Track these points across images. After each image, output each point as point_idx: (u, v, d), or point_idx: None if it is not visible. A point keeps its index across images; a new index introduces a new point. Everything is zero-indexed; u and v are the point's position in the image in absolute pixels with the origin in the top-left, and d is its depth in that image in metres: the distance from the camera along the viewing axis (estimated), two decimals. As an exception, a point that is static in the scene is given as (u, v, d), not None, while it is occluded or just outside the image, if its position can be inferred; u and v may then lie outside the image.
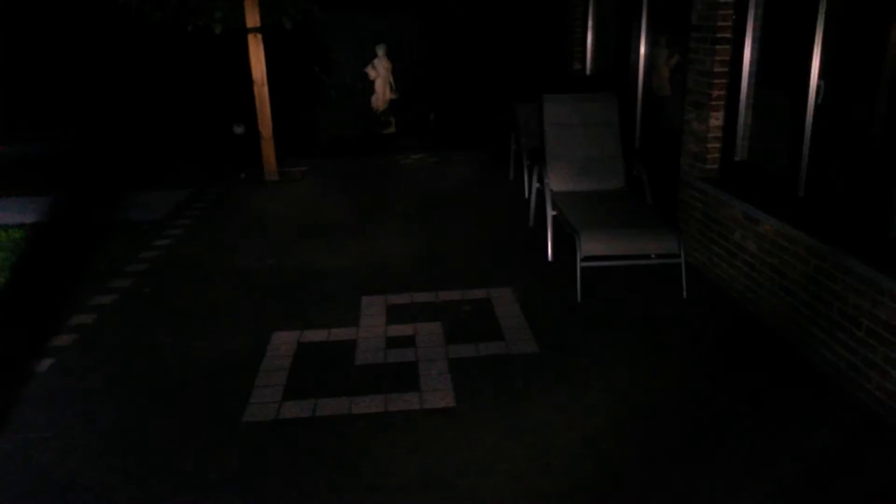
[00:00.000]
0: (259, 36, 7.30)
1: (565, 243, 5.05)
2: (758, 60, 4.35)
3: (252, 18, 7.20)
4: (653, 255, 4.41)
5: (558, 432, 3.09)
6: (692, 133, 4.78)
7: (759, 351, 3.74)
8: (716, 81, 4.53)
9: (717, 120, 4.58)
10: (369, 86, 10.71)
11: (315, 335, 4.04)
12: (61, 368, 3.73)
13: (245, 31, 7.27)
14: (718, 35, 4.44)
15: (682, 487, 2.72)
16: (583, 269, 4.31)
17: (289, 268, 5.10)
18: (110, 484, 2.82)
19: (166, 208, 6.65)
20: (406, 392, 3.43)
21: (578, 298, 4.32)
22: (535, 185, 5.62)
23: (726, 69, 4.50)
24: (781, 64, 4.15)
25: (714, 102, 4.56)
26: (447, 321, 4.16)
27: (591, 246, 4.24)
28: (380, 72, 10.67)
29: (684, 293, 4.30)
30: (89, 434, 3.16)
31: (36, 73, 11.00)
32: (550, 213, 4.94)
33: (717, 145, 4.62)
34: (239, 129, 10.42)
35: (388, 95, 10.76)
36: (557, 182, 5.14)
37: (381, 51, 10.59)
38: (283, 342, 3.96)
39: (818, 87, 3.69)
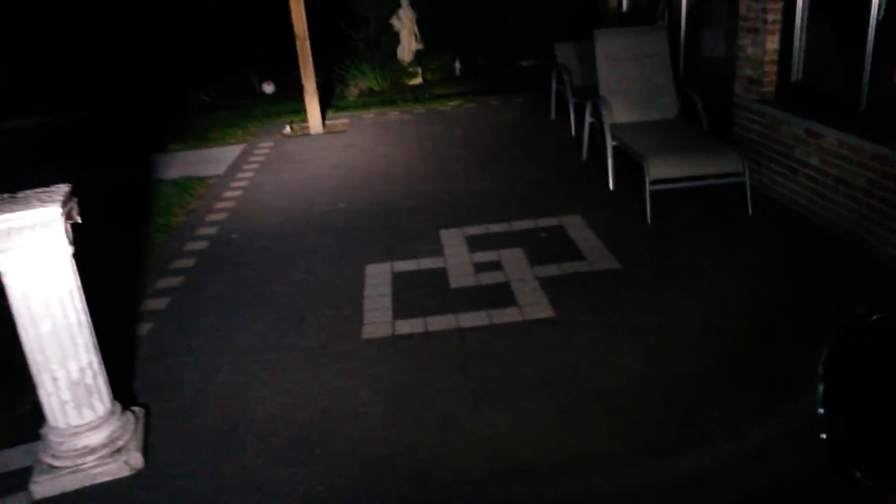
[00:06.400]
0: (298, -10, 7.42)
1: (624, 172, 5.28)
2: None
3: (291, -27, 7.31)
4: (714, 177, 4.63)
5: (654, 333, 3.38)
6: (747, 58, 4.97)
7: (827, 255, 4.00)
8: (770, 6, 4.69)
9: (772, 43, 4.76)
10: (394, 37, 10.80)
11: (405, 265, 4.32)
12: (177, 305, 4.04)
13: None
14: (772, -41, 4.60)
15: (778, 382, 3.01)
16: (651, 192, 4.55)
17: (359, 209, 5.36)
18: (259, 396, 3.14)
19: (225, 163, 6.89)
20: (506, 307, 3.72)
21: (649, 220, 4.58)
22: (588, 119, 5.83)
23: (780, -7, 4.66)
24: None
25: (770, 27, 4.73)
26: (526, 247, 4.42)
27: (658, 169, 4.48)
28: (405, 22, 10.75)
29: (749, 210, 4.55)
30: (225, 353, 3.47)
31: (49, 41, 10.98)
32: (611, 143, 5.16)
33: (773, 68, 4.81)
34: (269, 89, 10.55)
35: (414, 46, 10.86)
36: (615, 114, 5.35)
37: (404, 1, 10.66)
38: (378, 272, 4.24)
39: (880, 2, 3.87)
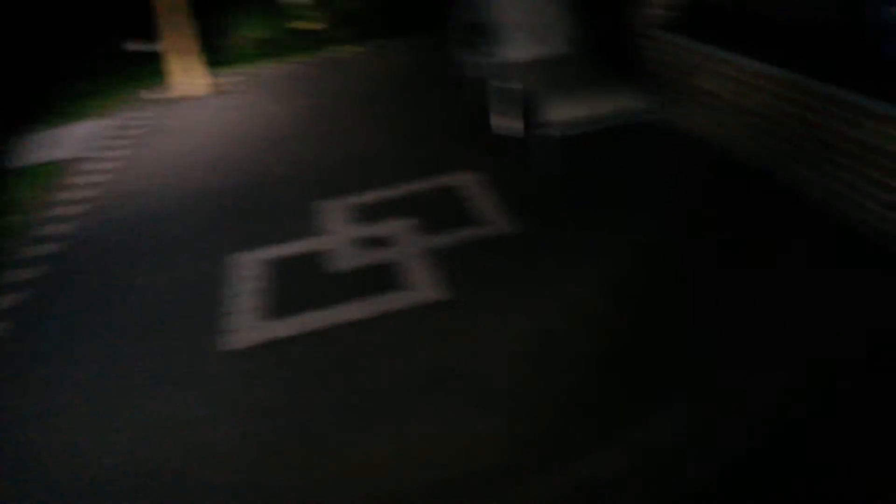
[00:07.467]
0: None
1: (523, 117, 4.83)
2: None
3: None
4: (620, 115, 4.22)
5: (560, 308, 3.01)
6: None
7: (745, 192, 3.66)
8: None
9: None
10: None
11: (277, 251, 3.80)
12: (17, 331, 3.45)
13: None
14: None
15: (691, 345, 2.70)
16: (548, 138, 4.12)
17: (234, 184, 4.76)
18: (104, 441, 2.65)
19: (88, 142, 6.12)
20: (394, 292, 3.28)
21: (549, 171, 4.16)
22: (481, 59, 5.31)
23: None
24: None
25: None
26: (416, 214, 3.96)
27: (555, 112, 4.04)
28: (291, -39, 9.84)
29: (661, 149, 4.18)
30: (65, 390, 2.95)
31: None
32: (495, 84, 4.67)
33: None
34: (142, 47, 9.52)
35: (304, -14, 9.98)
36: (506, 51, 4.84)
37: (288, -62, 9.73)
38: (245, 263, 3.71)
39: None
